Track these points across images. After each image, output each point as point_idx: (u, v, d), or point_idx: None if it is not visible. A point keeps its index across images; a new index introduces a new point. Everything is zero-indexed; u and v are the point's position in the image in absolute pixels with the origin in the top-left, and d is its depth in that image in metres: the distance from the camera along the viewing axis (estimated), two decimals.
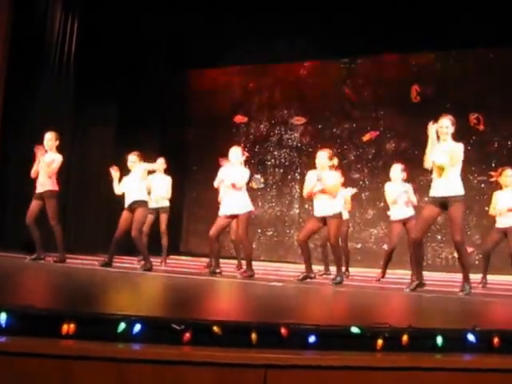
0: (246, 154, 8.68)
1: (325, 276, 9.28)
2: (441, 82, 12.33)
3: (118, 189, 8.82)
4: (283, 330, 3.31)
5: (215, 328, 3.31)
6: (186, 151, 14.20)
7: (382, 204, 11.18)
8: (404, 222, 8.92)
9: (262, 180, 13.43)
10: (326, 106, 13.12)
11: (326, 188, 7.88)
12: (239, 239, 8.53)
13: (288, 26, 11.79)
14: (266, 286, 7.21)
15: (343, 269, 8.53)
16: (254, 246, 13.41)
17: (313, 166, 8.05)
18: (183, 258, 12.71)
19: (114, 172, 8.81)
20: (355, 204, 12.51)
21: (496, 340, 3.48)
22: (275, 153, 13.42)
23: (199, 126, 14.14)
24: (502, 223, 8.71)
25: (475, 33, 11.11)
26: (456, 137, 6.99)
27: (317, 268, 9.32)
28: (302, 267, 8.11)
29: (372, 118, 12.81)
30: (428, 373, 3.32)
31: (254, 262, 11.96)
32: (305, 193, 8.19)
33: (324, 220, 7.92)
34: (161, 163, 10.07)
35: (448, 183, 6.79)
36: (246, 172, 8.41)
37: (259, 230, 13.48)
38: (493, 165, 11.08)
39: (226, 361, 3.20)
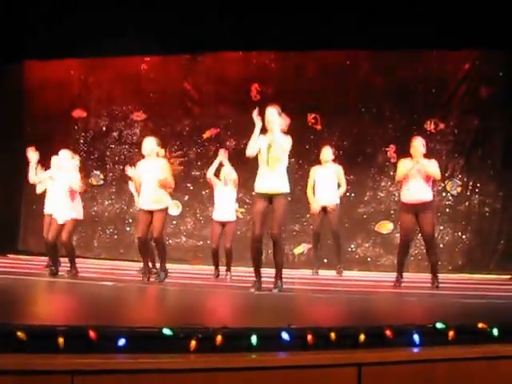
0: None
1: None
2: (280, 81, 12.48)
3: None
4: (92, 334, 3.17)
5: (19, 333, 3.12)
6: (23, 146, 13.53)
7: None
8: (223, 223, 9.29)
9: (101, 176, 13.08)
10: (166, 102, 12.90)
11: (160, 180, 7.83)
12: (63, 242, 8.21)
13: (129, 19, 11.50)
14: (94, 285, 7.00)
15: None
16: (95, 244, 13.09)
17: None
18: (22, 256, 12.20)
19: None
20: (196, 201, 12.51)
21: (310, 337, 3.50)
22: (115, 149, 13.09)
23: (36, 120, 13.51)
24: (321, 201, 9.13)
25: (312, 35, 11.33)
26: (290, 133, 7.08)
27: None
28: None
29: (213, 115, 12.77)
30: (243, 372, 3.30)
31: (94, 261, 11.81)
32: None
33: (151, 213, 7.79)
34: None
35: (276, 178, 6.86)
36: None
37: (99, 228, 13.11)
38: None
39: (30, 368, 3.03)
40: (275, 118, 6.91)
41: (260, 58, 12.74)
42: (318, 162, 10.34)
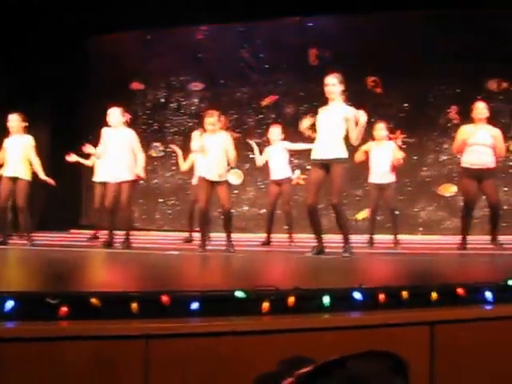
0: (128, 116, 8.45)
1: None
2: (338, 45, 12.31)
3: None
4: (164, 298, 3.21)
5: (93, 300, 3.17)
6: (82, 121, 13.74)
7: None
8: (279, 183, 9.10)
9: (161, 148, 13.17)
10: (224, 71, 12.91)
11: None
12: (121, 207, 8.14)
13: None
14: (159, 255, 7.09)
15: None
16: (157, 216, 13.24)
17: None
18: (85, 231, 12.41)
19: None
20: (257, 170, 12.48)
21: (381, 296, 3.48)
22: (174, 120, 13.17)
23: (95, 94, 13.67)
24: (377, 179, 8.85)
25: None
26: (348, 98, 6.99)
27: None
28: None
29: (271, 82, 12.72)
30: (316, 333, 3.30)
31: (158, 232, 11.94)
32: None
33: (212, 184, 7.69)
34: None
35: (333, 145, 6.74)
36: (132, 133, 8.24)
37: (161, 200, 13.26)
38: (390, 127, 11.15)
39: (105, 333, 3.08)
40: (335, 86, 6.78)
41: (317, 22, 12.58)
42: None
